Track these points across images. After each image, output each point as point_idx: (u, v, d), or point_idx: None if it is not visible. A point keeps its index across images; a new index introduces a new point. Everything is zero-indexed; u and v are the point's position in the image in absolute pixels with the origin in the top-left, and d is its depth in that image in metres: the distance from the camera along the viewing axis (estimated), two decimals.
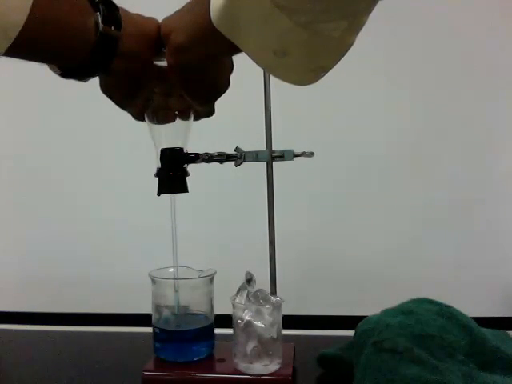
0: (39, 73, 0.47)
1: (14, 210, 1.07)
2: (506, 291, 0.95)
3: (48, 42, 0.40)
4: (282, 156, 0.65)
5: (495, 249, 0.96)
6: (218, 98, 0.51)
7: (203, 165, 0.62)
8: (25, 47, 0.39)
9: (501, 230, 0.96)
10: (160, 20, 0.48)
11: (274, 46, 0.38)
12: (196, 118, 0.56)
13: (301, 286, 0.95)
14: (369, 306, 0.64)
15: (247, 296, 0.60)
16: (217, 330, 0.67)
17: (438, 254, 0.96)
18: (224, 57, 0.48)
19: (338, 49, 0.39)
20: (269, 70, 0.42)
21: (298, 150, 0.64)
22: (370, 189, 0.97)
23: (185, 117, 0.55)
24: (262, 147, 0.66)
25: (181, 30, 0.44)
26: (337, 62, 0.40)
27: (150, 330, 0.66)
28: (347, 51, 0.39)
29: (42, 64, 0.44)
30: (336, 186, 0.97)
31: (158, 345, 0.65)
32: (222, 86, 0.50)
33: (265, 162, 0.66)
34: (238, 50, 0.40)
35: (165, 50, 0.47)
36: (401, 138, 0.96)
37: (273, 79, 0.63)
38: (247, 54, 0.40)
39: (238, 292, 0.61)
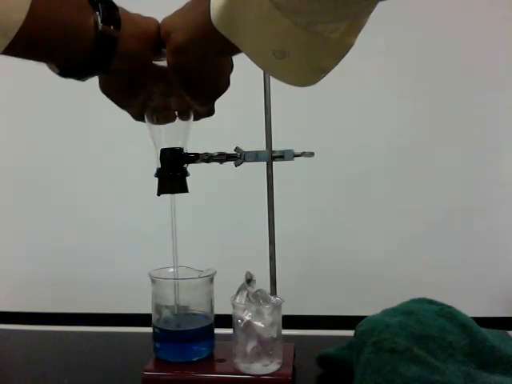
0: (39, 72, 0.47)
1: (14, 210, 1.07)
2: (506, 291, 0.95)
3: (47, 41, 0.40)
4: (282, 156, 0.65)
5: (495, 249, 0.96)
6: (217, 97, 0.51)
7: (203, 165, 0.62)
8: (24, 46, 0.39)
9: (501, 230, 0.96)
10: (160, 20, 0.48)
11: (273, 47, 0.38)
12: (196, 118, 0.56)
13: (301, 286, 0.95)
14: (369, 306, 0.64)
15: (247, 296, 0.60)
16: (217, 330, 0.67)
17: (438, 254, 0.96)
18: (224, 57, 0.48)
19: (337, 50, 0.39)
20: (268, 70, 0.42)
21: (297, 150, 0.64)
22: (370, 189, 0.97)
23: (185, 117, 0.55)
24: (262, 147, 0.66)
25: (181, 30, 0.44)
26: (336, 64, 0.40)
27: (150, 329, 0.66)
28: (347, 52, 0.39)
29: (41, 63, 0.44)
30: (336, 186, 0.97)
31: (158, 345, 0.65)
32: (221, 85, 0.50)
33: (265, 162, 0.66)
34: (237, 51, 0.40)
35: (164, 50, 0.47)
36: (401, 139, 0.96)
37: (273, 79, 0.63)
38: (246, 54, 0.40)
39: (237, 292, 0.61)
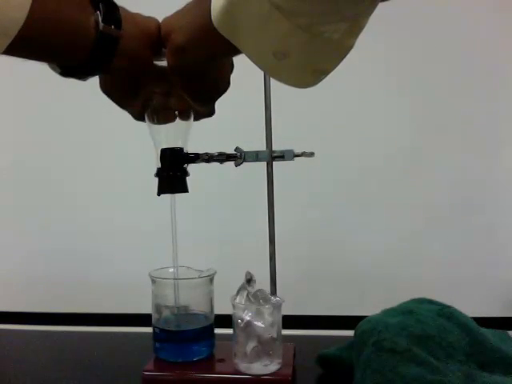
0: (39, 72, 0.47)
1: (14, 210, 1.07)
2: (506, 291, 0.95)
3: (48, 40, 0.40)
4: (282, 156, 0.65)
5: (495, 249, 0.96)
6: (218, 98, 0.51)
7: (203, 165, 0.62)
8: (24, 46, 0.39)
9: (501, 229, 0.96)
10: (160, 20, 0.48)
11: (273, 48, 0.38)
12: (196, 118, 0.56)
13: (301, 285, 0.95)
14: (369, 306, 0.64)
15: (247, 296, 0.60)
16: (217, 330, 0.67)
17: (438, 254, 0.96)
18: (224, 57, 0.48)
19: (337, 51, 0.39)
20: (268, 71, 0.42)
21: (297, 150, 0.64)
22: (370, 189, 0.97)
23: (185, 117, 0.55)
24: (262, 147, 0.66)
25: (181, 31, 0.44)
26: (336, 65, 0.40)
27: (150, 329, 0.66)
28: (347, 54, 0.39)
29: (42, 63, 0.44)
30: (336, 185, 0.97)
31: (158, 345, 0.65)
32: (222, 86, 0.50)
33: (265, 162, 0.66)
34: (238, 51, 0.40)
35: (165, 50, 0.47)
36: (401, 138, 0.96)
37: (273, 79, 0.63)
38: (247, 55, 0.40)
39: (238, 292, 0.61)
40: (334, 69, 0.40)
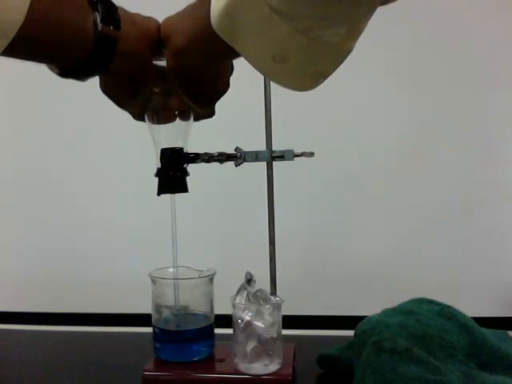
0: (39, 72, 0.47)
1: (14, 210, 1.07)
2: (506, 291, 0.95)
3: (46, 41, 0.40)
4: (282, 156, 0.65)
5: (495, 249, 0.96)
6: (217, 100, 0.51)
7: (203, 165, 0.62)
8: (23, 47, 0.39)
9: (501, 229, 0.96)
10: (160, 20, 0.48)
11: (272, 52, 0.38)
12: (196, 119, 0.56)
13: (301, 286, 0.95)
14: (369, 306, 0.64)
15: (247, 296, 0.60)
16: (217, 330, 0.67)
17: (438, 254, 0.96)
18: (224, 60, 0.48)
19: (337, 55, 0.39)
20: (267, 75, 0.42)
21: (297, 150, 0.64)
22: (370, 189, 0.97)
23: (185, 117, 0.55)
24: (262, 147, 0.66)
25: (181, 33, 0.44)
26: (336, 68, 0.40)
27: (150, 330, 0.66)
28: (346, 57, 0.39)
29: (41, 63, 0.44)
30: (336, 185, 0.97)
31: (158, 345, 0.65)
32: (221, 88, 0.50)
33: (265, 162, 0.66)
34: (237, 54, 0.40)
35: (165, 51, 0.47)
36: (401, 138, 0.96)
37: None
38: (246, 58, 0.40)
39: (238, 292, 0.61)
40: (333, 72, 0.40)
